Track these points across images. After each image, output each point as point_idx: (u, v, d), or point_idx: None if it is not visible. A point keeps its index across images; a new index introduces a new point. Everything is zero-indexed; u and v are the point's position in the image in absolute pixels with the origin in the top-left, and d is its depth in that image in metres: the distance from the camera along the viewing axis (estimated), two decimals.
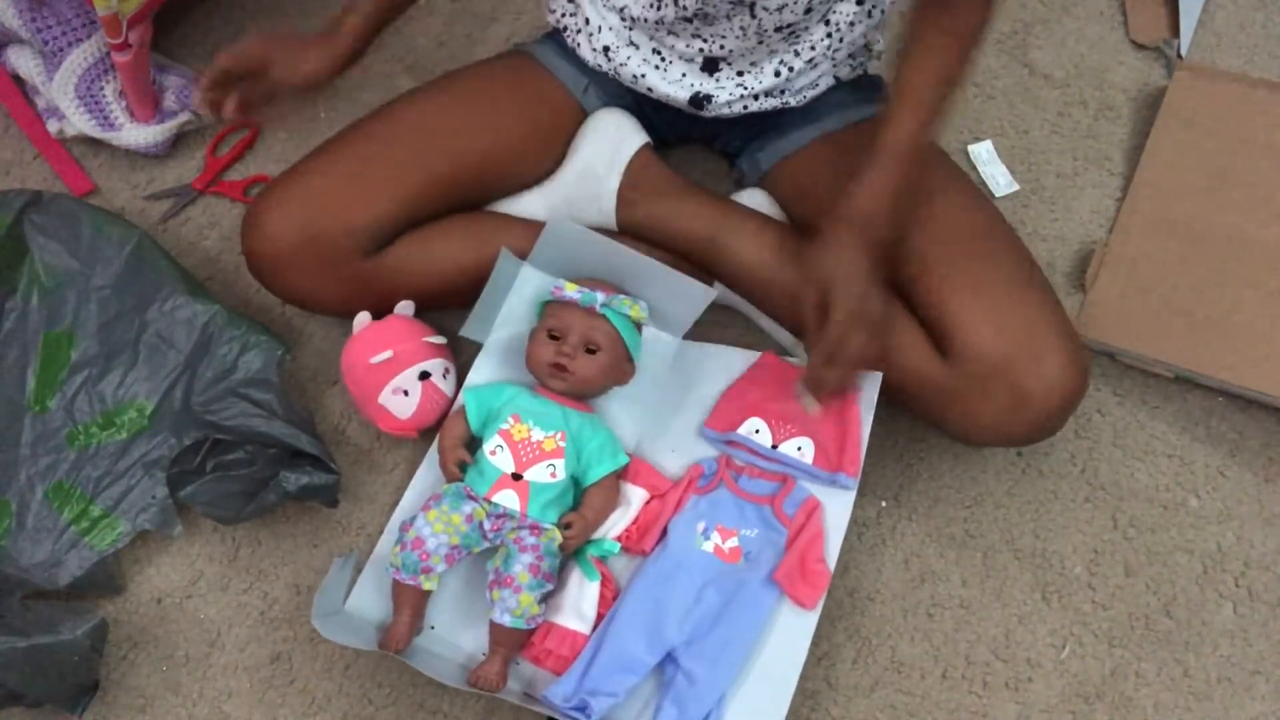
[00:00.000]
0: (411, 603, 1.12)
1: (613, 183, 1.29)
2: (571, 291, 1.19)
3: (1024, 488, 1.28)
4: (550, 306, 1.22)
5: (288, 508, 1.26)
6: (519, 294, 1.28)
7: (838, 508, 1.16)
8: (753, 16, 1.16)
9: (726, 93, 1.24)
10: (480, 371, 1.27)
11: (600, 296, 1.18)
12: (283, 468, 1.20)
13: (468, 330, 1.25)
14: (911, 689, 1.19)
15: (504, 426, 1.17)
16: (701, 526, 1.17)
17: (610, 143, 1.29)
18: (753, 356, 1.26)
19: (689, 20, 1.18)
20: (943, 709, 1.18)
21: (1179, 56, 1.52)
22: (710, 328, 1.28)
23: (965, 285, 1.13)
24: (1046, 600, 1.23)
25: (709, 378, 1.26)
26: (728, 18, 1.17)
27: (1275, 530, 1.26)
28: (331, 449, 1.24)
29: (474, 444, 1.19)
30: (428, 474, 1.24)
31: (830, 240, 1.10)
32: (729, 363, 1.26)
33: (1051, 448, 1.29)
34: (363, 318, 1.23)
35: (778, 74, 1.23)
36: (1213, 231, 1.35)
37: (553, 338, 1.19)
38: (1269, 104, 1.41)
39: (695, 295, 1.23)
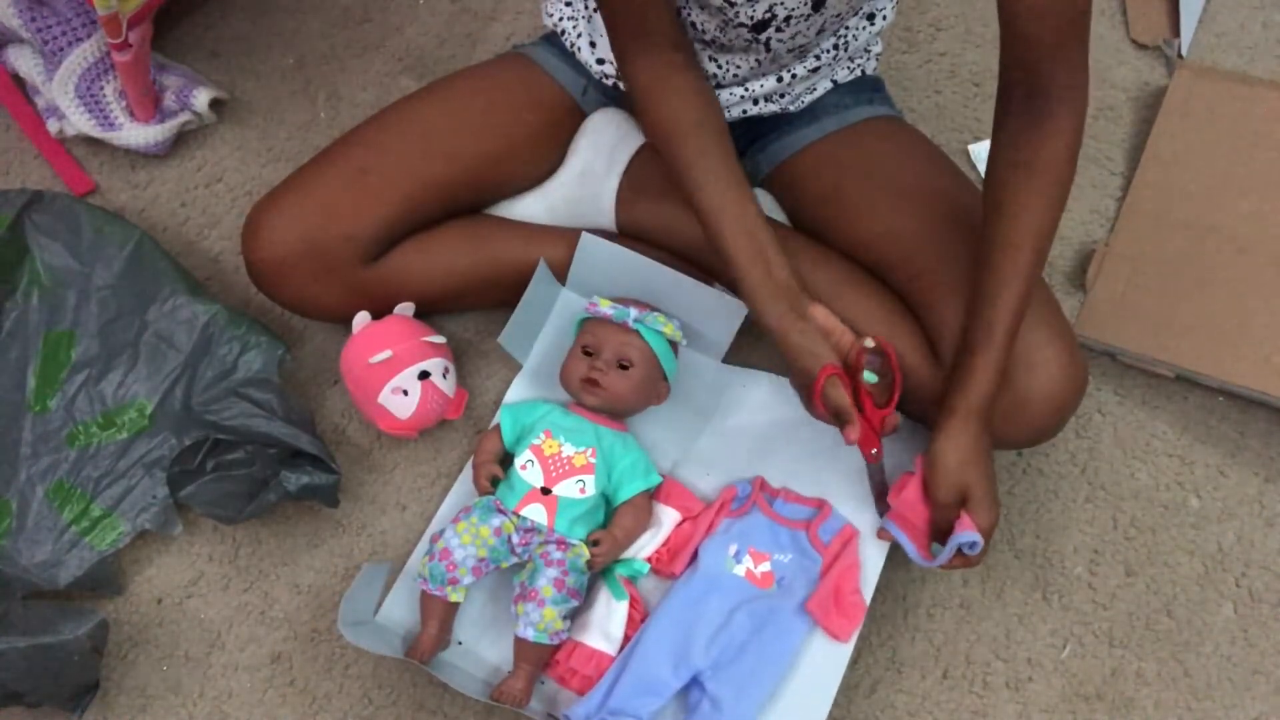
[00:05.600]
0: (439, 614, 1.12)
1: (613, 183, 1.29)
2: (605, 307, 1.20)
3: (1024, 488, 1.28)
4: (586, 323, 1.23)
5: (288, 508, 1.26)
6: (557, 313, 1.29)
7: (877, 539, 1.16)
8: (768, 50, 1.16)
9: (726, 93, 1.24)
10: (518, 390, 1.28)
11: (633, 312, 1.19)
12: (283, 468, 1.20)
13: (504, 341, 1.25)
14: (911, 689, 1.19)
15: (535, 442, 1.18)
16: (733, 549, 1.16)
17: (610, 143, 1.29)
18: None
19: (706, 44, 1.18)
20: (943, 709, 1.18)
21: (1179, 56, 1.52)
22: (737, 349, 1.28)
23: (963, 288, 1.12)
24: (1047, 600, 1.23)
25: (748, 402, 1.26)
26: (744, 50, 1.17)
27: (1276, 530, 1.26)
28: (332, 449, 1.24)
29: (508, 460, 1.20)
30: (463, 488, 1.25)
31: (959, 441, 1.06)
32: (768, 388, 1.27)
33: (1051, 448, 1.29)
34: (362, 317, 1.23)
35: (780, 79, 1.23)
36: (1213, 231, 1.35)
37: (587, 354, 1.20)
38: (1269, 104, 1.41)
39: (730, 311, 1.23)
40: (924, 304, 1.16)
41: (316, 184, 1.21)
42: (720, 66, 1.21)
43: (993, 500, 1.06)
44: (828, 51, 1.22)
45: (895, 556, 1.23)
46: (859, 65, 1.30)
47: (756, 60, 1.19)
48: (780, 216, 1.31)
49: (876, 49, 1.31)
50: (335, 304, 1.23)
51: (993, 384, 1.06)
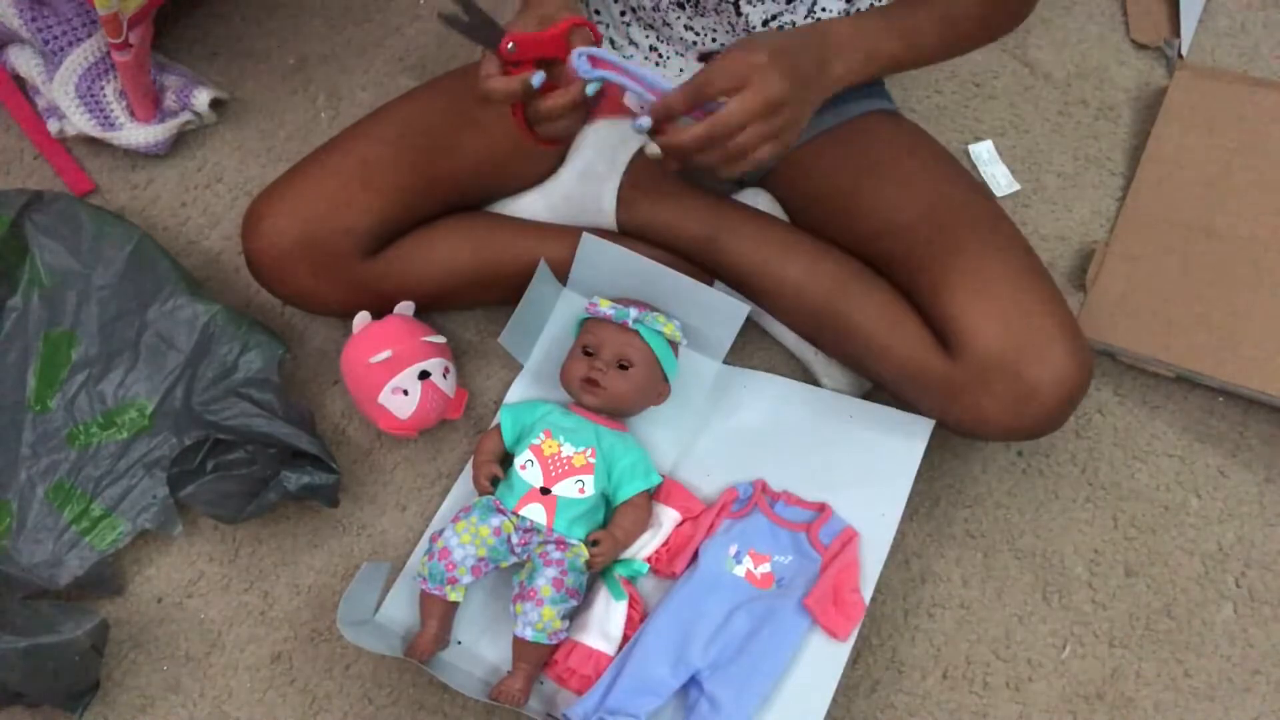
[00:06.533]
0: (438, 614, 1.12)
1: (614, 182, 1.29)
2: (605, 308, 1.20)
3: (1024, 488, 1.28)
4: (587, 323, 1.23)
5: (288, 508, 1.26)
6: (557, 314, 1.29)
7: (877, 540, 1.16)
8: (739, 14, 1.16)
9: None
10: (518, 390, 1.28)
11: (633, 312, 1.19)
12: (283, 467, 1.20)
13: (505, 341, 1.25)
14: (911, 689, 1.19)
15: (535, 442, 1.18)
16: (733, 550, 1.17)
17: (612, 142, 1.29)
18: (792, 383, 1.27)
19: (681, 6, 1.18)
20: (943, 709, 1.18)
21: (1180, 56, 1.52)
22: (738, 349, 1.28)
23: (968, 280, 1.13)
24: (1047, 600, 1.23)
25: (749, 403, 1.26)
26: (716, 11, 1.17)
27: (1276, 530, 1.26)
28: (332, 449, 1.24)
29: (508, 460, 1.20)
30: (462, 488, 1.25)
31: (792, 33, 1.00)
32: (770, 389, 1.27)
33: (1052, 448, 1.29)
34: (362, 317, 1.24)
35: None
36: (1213, 231, 1.35)
37: (587, 354, 1.20)
38: (1269, 104, 1.41)
39: (731, 312, 1.24)
40: (929, 297, 1.16)
41: (317, 176, 1.21)
42: (698, 34, 1.20)
43: (781, 79, 0.92)
44: None
45: (896, 557, 1.24)
46: None
47: (730, 25, 1.18)
48: (780, 214, 1.31)
49: None
50: (334, 298, 1.23)
51: (878, 38, 1.04)
